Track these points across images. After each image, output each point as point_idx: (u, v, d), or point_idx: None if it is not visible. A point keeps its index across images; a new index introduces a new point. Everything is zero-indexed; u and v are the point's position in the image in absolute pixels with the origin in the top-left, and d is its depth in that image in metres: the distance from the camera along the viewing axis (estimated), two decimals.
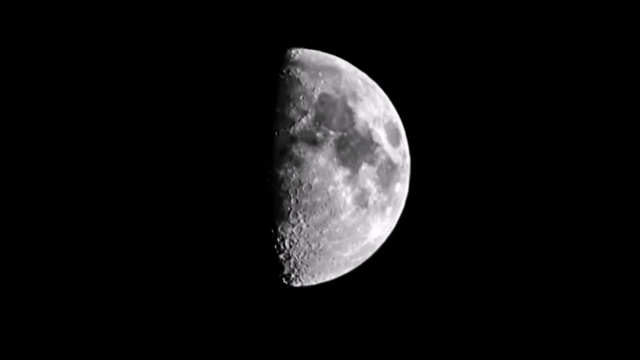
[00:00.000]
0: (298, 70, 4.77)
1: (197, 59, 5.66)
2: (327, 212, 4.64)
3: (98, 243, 5.88)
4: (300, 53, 4.95)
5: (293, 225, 4.62)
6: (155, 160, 5.04)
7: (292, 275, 4.92)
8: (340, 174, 4.62)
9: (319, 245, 4.74)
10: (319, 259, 4.83)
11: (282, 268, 4.85)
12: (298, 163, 4.54)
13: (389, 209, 4.97)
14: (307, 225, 4.64)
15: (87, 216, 5.88)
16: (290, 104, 4.61)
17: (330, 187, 4.61)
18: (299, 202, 4.58)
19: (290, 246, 4.71)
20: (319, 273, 4.98)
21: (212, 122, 4.68)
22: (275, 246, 4.70)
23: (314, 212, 4.62)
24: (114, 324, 5.89)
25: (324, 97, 4.70)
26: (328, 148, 4.59)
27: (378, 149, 4.81)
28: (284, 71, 4.75)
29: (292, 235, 4.66)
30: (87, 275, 5.91)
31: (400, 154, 5.04)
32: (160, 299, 5.88)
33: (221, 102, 4.70)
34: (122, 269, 5.88)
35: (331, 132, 4.61)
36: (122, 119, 5.82)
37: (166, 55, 5.86)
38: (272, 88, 4.66)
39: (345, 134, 4.66)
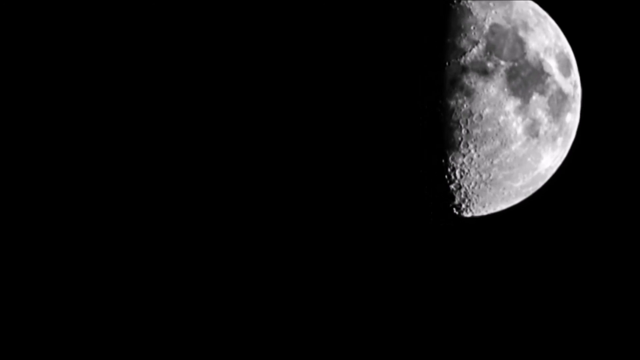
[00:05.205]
0: (469, 0, 4.81)
1: None
2: (497, 142, 4.66)
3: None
4: None
5: (464, 156, 4.68)
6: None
7: (463, 206, 4.98)
8: (511, 104, 4.62)
9: (490, 175, 4.77)
10: (490, 189, 4.86)
11: (453, 198, 4.92)
12: (469, 93, 4.58)
13: (559, 139, 4.92)
14: (478, 156, 4.68)
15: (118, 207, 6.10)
16: (461, 34, 4.65)
17: (501, 117, 4.62)
18: (470, 132, 4.62)
19: (461, 176, 4.76)
20: (490, 203, 5.01)
21: (382, 53, 4.80)
22: (446, 176, 4.78)
23: (485, 142, 4.65)
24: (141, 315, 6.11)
25: (495, 27, 4.70)
26: (499, 78, 4.60)
27: (549, 79, 4.76)
28: (455, 1, 4.80)
29: (463, 166, 4.72)
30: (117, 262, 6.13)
31: (571, 84, 4.96)
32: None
33: (391, 33, 4.82)
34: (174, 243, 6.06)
35: (502, 62, 4.62)
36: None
37: None
38: (443, 18, 4.72)
39: (516, 64, 4.65)
